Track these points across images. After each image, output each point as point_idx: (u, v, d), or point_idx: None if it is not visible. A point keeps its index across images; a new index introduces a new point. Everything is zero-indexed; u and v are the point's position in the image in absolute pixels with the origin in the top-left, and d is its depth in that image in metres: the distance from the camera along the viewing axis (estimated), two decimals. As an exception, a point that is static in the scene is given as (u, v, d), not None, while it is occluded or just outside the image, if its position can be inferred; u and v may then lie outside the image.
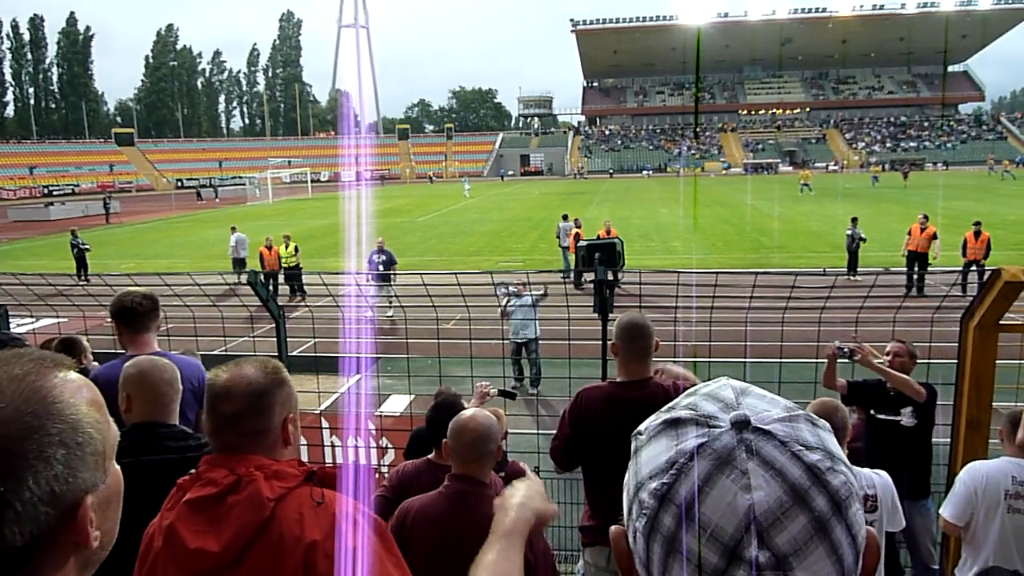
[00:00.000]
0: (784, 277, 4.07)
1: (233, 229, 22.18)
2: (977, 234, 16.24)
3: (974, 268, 15.76)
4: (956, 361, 3.61)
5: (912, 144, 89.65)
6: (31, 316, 6.39)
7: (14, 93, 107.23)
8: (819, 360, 4.71)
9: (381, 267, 14.71)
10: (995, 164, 60.96)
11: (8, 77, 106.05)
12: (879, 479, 3.43)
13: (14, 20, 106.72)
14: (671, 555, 0.65)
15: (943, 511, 3.40)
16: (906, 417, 4.68)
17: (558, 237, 21.31)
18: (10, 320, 5.75)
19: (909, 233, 17.14)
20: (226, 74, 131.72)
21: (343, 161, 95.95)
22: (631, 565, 0.72)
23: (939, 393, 4.59)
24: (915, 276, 16.08)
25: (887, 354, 4.82)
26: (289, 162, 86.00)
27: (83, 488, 0.83)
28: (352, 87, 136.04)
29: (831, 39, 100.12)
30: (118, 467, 0.94)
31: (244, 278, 4.49)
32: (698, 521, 0.63)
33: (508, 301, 9.30)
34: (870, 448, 4.73)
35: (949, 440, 3.76)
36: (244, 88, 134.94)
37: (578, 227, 19.94)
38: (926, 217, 16.96)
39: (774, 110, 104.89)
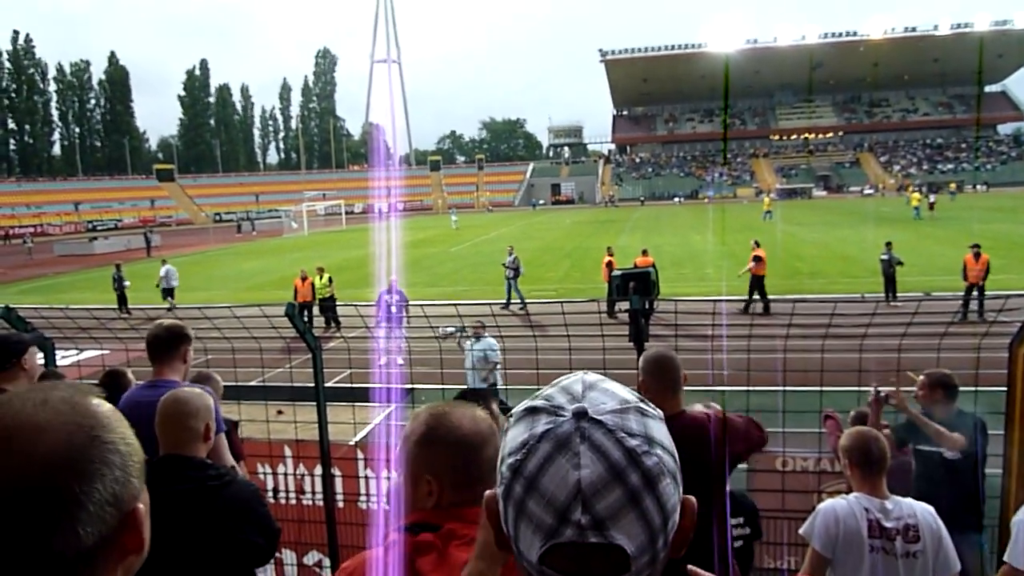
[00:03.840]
0: (822, 304, 4.01)
1: (164, 261, 24.16)
2: (977, 256, 15.76)
3: (975, 294, 15.41)
4: (1006, 388, 3.49)
5: (950, 166, 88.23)
6: (76, 349, 6.53)
7: (60, 132, 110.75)
8: (861, 388, 4.61)
9: (393, 308, 14.33)
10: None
11: (55, 117, 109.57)
12: (920, 509, 3.29)
13: (59, 63, 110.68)
14: (519, 516, 0.82)
15: (1011, 559, 3.06)
16: (949, 451, 4.54)
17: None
18: (56, 353, 5.87)
19: (965, 265, 16.25)
20: (259, 109, 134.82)
21: (376, 193, 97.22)
22: (497, 522, 0.89)
23: (988, 423, 4.45)
24: (969, 303, 15.58)
25: (920, 388, 4.69)
26: (324, 195, 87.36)
27: (135, 494, 0.92)
28: (384, 120, 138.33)
29: (863, 62, 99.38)
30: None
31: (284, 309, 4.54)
32: (539, 490, 0.80)
33: (469, 344, 9.17)
34: (917, 480, 4.60)
35: (1001, 470, 3.63)
36: (279, 123, 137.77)
37: (610, 255, 19.90)
38: (978, 246, 16.12)
39: (806, 135, 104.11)
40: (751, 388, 4.53)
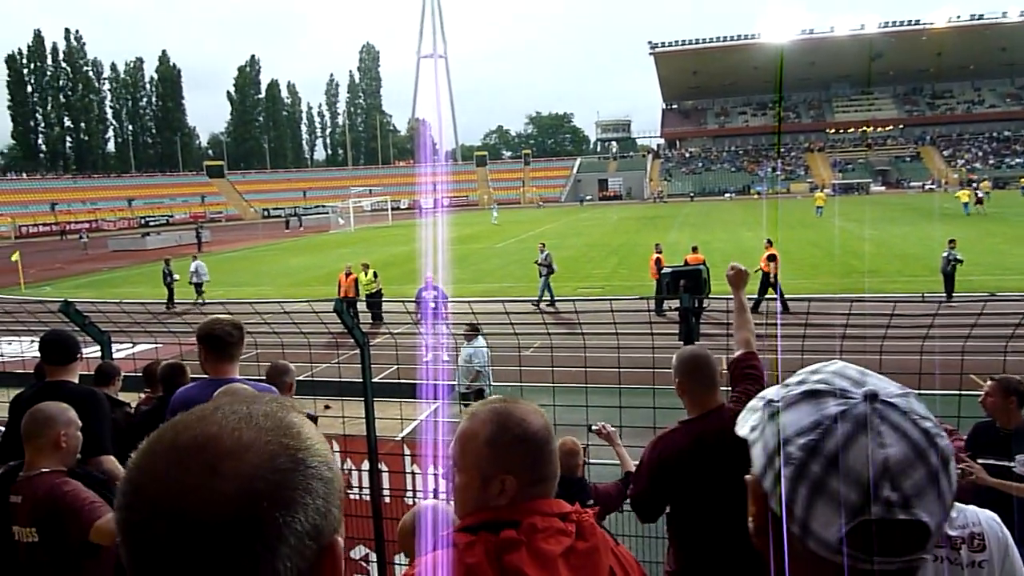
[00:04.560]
0: (881, 304, 3.92)
1: (194, 257, 25.20)
2: None
3: None
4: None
5: (1018, 160, 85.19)
6: (130, 342, 6.75)
7: (114, 130, 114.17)
8: (921, 392, 4.50)
9: (433, 304, 14.28)
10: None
11: (110, 115, 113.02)
12: (985, 517, 3.19)
13: (112, 63, 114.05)
14: (816, 494, 0.84)
15: None
16: (1020, 465, 4.40)
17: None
18: (111, 346, 6.07)
19: None
20: (306, 105, 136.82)
21: (422, 189, 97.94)
22: (763, 507, 0.93)
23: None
24: None
25: (988, 394, 4.55)
26: (370, 190, 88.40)
27: (334, 526, 0.83)
28: (431, 116, 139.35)
29: (925, 52, 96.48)
30: None
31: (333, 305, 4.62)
32: (842, 469, 0.83)
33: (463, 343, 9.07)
34: (979, 491, 4.47)
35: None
36: (326, 119, 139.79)
37: (659, 252, 19.75)
38: None
39: (864, 128, 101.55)
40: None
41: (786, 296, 15.92)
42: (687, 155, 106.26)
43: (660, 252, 19.78)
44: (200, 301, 22.06)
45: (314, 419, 4.70)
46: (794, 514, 0.87)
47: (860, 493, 0.82)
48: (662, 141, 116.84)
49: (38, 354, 4.07)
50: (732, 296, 3.59)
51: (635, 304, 14.34)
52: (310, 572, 0.79)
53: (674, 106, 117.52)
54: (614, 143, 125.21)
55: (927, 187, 78.11)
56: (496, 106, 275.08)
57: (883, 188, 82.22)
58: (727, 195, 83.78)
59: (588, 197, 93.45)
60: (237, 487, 0.75)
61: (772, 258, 18.22)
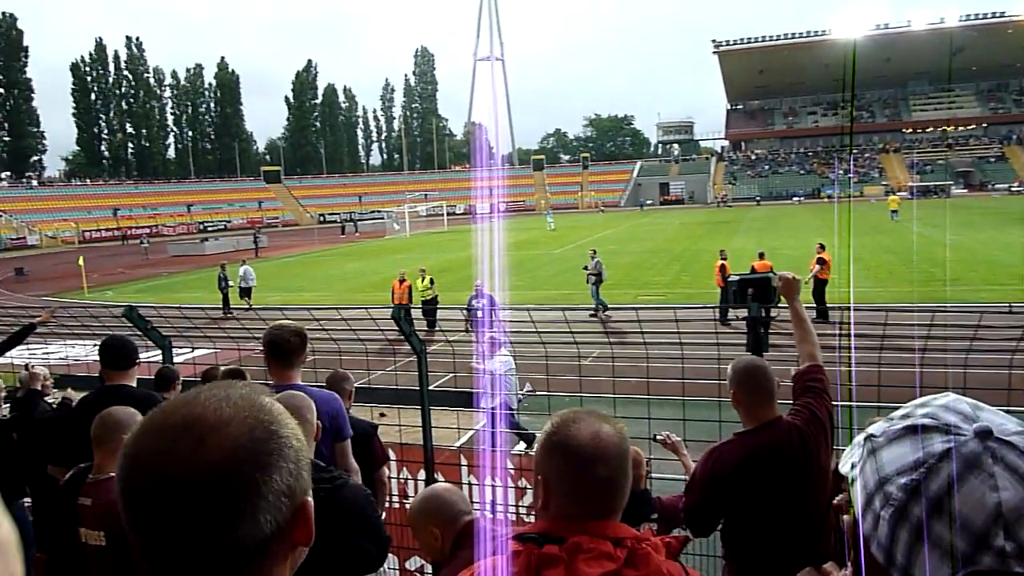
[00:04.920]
0: (966, 315, 3.80)
1: (243, 262, 26.11)
2: None
3: None
4: None
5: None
6: (190, 347, 6.96)
7: (175, 136, 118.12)
8: (1010, 407, 4.32)
9: (480, 313, 14.21)
10: None
11: (170, 122, 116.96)
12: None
13: (173, 70, 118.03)
14: (919, 541, 0.79)
15: None
16: None
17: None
18: (172, 351, 6.28)
19: None
20: (362, 110, 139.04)
21: (477, 193, 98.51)
22: (861, 552, 0.87)
23: None
24: None
25: None
26: (426, 195, 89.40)
27: (304, 489, 0.99)
28: (487, 119, 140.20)
29: (1012, 46, 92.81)
30: None
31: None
32: (949, 513, 0.77)
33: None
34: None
35: None
36: (381, 123, 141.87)
37: (724, 259, 19.49)
38: None
39: (944, 127, 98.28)
40: (881, 404, 4.34)
41: (858, 305, 15.51)
42: (753, 157, 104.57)
43: (725, 259, 19.48)
44: (246, 306, 22.58)
45: (375, 428, 4.73)
46: (895, 560, 0.82)
47: (970, 541, 0.76)
48: (726, 143, 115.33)
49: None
50: (793, 307, 3.49)
51: (699, 313, 14.17)
52: (286, 528, 0.95)
53: (739, 106, 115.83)
54: (676, 145, 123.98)
55: (1013, 189, 75.14)
56: (554, 108, 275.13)
57: (965, 191, 79.43)
58: (795, 199, 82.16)
59: (649, 202, 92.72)
60: (221, 455, 0.90)
61: (822, 262, 17.91)
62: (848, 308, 15.77)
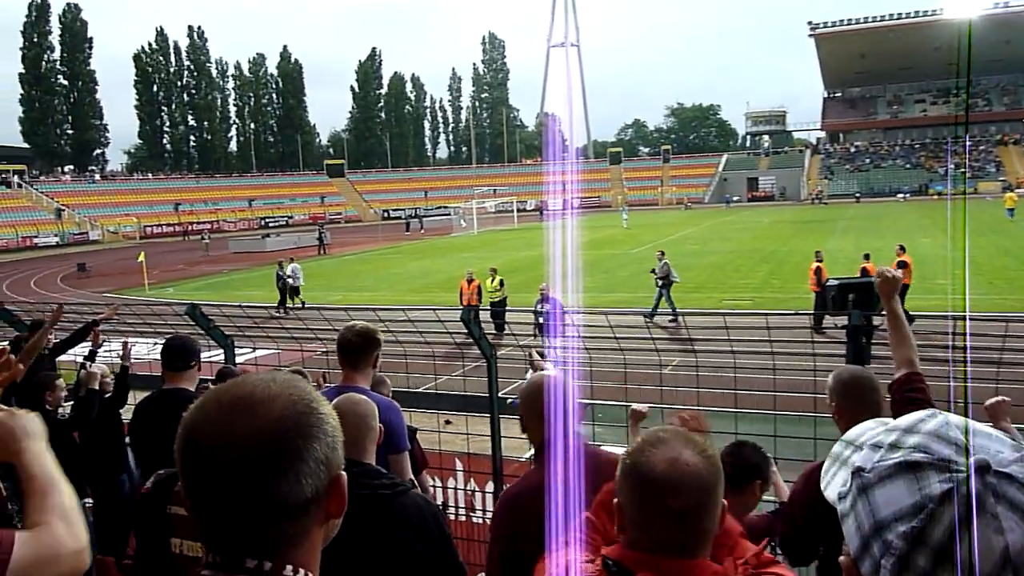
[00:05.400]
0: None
1: (291, 260, 26.45)
2: None
3: None
4: None
5: None
6: (252, 346, 7.18)
7: (236, 128, 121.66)
8: None
9: (542, 319, 14.07)
10: None
11: (232, 114, 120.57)
12: None
13: (236, 61, 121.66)
14: None
15: None
16: None
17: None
18: (234, 350, 6.48)
19: None
20: (428, 100, 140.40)
21: (550, 189, 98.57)
22: None
23: None
24: None
25: None
26: (494, 191, 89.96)
27: (339, 463, 1.16)
28: (561, 110, 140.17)
29: None
30: None
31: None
32: (953, 561, 0.76)
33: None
34: None
35: None
36: (448, 115, 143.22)
37: (819, 261, 19.07)
38: None
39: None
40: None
41: (973, 315, 14.91)
42: (852, 150, 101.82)
43: (821, 261, 19.09)
44: (299, 305, 23.22)
45: (414, 432, 4.78)
46: None
47: None
48: (822, 134, 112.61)
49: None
50: (890, 305, 3.37)
51: (791, 320, 13.86)
52: (323, 495, 1.13)
53: (838, 94, 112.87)
54: (766, 137, 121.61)
55: None
56: (632, 98, 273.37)
57: (1096, 187, 75.61)
58: (900, 196, 79.57)
59: (735, 198, 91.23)
60: (270, 423, 1.09)
61: (903, 265, 17.45)
62: (963, 317, 15.19)
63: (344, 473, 1.17)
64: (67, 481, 1.50)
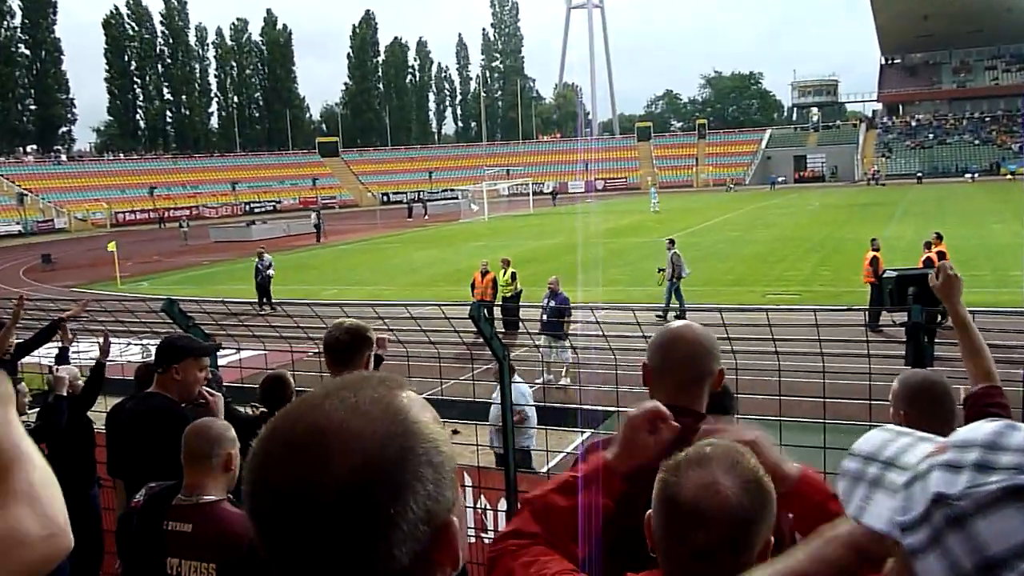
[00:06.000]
0: None
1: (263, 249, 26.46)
2: None
3: None
4: None
5: None
6: (236, 347, 7.20)
7: (218, 103, 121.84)
8: None
9: (546, 315, 14.01)
10: None
11: (213, 86, 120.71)
12: None
13: (218, 27, 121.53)
14: None
15: None
16: None
17: None
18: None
19: None
20: (433, 69, 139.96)
21: (570, 169, 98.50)
22: None
23: None
24: None
25: None
26: (508, 171, 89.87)
27: (447, 507, 1.02)
28: (582, 80, 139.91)
29: None
30: None
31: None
32: None
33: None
34: None
35: None
36: (455, 86, 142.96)
37: (875, 250, 18.96)
38: None
39: None
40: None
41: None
42: (913, 124, 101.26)
43: (877, 250, 18.97)
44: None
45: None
46: None
47: None
48: (879, 106, 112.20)
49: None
50: (955, 311, 3.33)
51: (843, 316, 13.78)
52: (426, 554, 0.99)
53: (896, 60, 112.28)
54: (815, 110, 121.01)
55: None
56: (664, 66, 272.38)
57: None
58: (968, 176, 79.08)
59: (781, 178, 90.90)
60: (349, 478, 0.94)
61: (941, 256, 17.23)
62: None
63: (455, 518, 1.04)
64: (39, 453, 1.34)
